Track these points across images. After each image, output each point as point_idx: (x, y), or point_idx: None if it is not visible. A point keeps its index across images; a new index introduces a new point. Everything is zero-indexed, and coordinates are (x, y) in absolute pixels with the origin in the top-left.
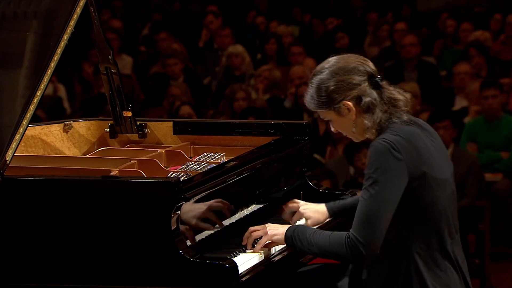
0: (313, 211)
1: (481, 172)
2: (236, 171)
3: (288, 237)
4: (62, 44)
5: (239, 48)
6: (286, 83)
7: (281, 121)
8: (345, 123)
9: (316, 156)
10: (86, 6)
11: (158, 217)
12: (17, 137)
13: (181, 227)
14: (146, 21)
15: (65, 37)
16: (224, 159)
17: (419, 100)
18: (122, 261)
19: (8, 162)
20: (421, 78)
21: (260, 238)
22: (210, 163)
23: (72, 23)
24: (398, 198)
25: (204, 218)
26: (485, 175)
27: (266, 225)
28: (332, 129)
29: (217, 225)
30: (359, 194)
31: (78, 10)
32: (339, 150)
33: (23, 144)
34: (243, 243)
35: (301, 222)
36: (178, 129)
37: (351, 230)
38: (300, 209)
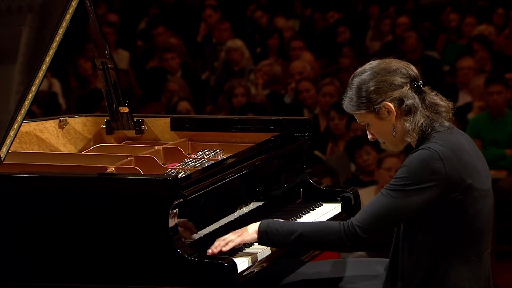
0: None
1: None
2: (235, 168)
3: (263, 233)
4: (57, 39)
5: (238, 43)
6: (286, 78)
7: (281, 117)
8: (385, 126)
9: (316, 153)
10: None
11: (155, 215)
12: (12, 133)
13: (179, 225)
14: (143, 15)
15: (61, 31)
16: (222, 156)
17: None
18: (119, 260)
19: (2, 159)
20: (424, 73)
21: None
22: (209, 160)
23: (67, 17)
24: (421, 207)
25: (202, 214)
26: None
27: (233, 233)
28: (369, 136)
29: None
30: (360, 191)
31: (74, 4)
32: (340, 146)
33: (17, 140)
34: (210, 252)
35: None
36: (176, 125)
37: (354, 218)
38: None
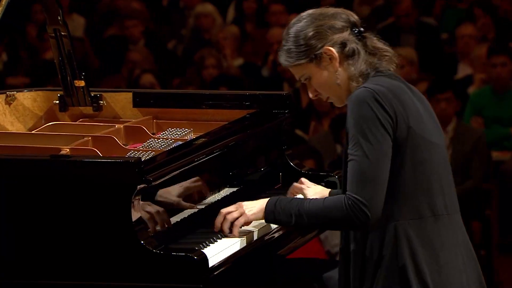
0: (317, 194)
1: (488, 150)
2: (206, 150)
3: (269, 212)
4: (3, 3)
5: (208, 7)
6: (264, 48)
7: (257, 92)
8: (328, 76)
9: (298, 132)
10: None
11: (116, 203)
12: None
13: (143, 214)
14: None
15: None
16: (192, 136)
17: (416, 68)
18: (75, 253)
19: None
20: (419, 42)
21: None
22: (176, 140)
23: None
24: (390, 146)
25: (169, 202)
26: (493, 154)
27: (239, 204)
28: (311, 94)
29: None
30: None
31: None
32: (324, 125)
33: None
34: (216, 229)
35: None
36: (139, 101)
37: (348, 192)
38: (303, 190)
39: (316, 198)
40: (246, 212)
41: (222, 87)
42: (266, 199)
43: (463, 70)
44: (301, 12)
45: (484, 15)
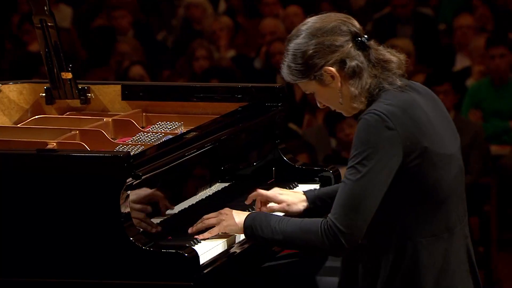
0: (290, 199)
1: (487, 144)
2: (197, 144)
3: (247, 227)
4: None
5: None
6: (256, 39)
7: (250, 85)
8: (331, 94)
9: (291, 125)
10: None
11: (104, 198)
12: None
13: (132, 210)
14: None
15: None
16: (182, 130)
17: (413, 60)
18: (63, 251)
19: None
20: (416, 33)
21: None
22: (166, 134)
23: None
24: (389, 180)
25: (158, 198)
26: (491, 148)
27: (222, 211)
28: (319, 104)
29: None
30: (342, 170)
31: None
32: (318, 118)
33: None
34: (190, 231)
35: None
36: (128, 94)
37: (329, 215)
38: (271, 194)
39: (295, 218)
40: (223, 223)
41: (213, 79)
42: (246, 213)
43: (461, 62)
44: (295, 3)
45: (483, 5)
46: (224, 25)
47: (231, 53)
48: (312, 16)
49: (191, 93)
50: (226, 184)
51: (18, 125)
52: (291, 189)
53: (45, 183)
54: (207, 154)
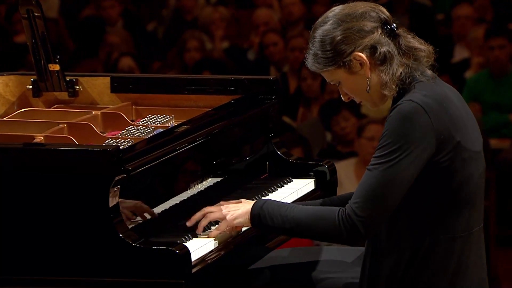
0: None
1: (486, 137)
2: (188, 138)
3: (255, 216)
4: None
5: None
6: (249, 30)
7: (242, 77)
8: (358, 82)
9: (285, 119)
10: None
11: (93, 193)
12: None
13: (122, 205)
14: None
15: None
16: (173, 123)
17: None
18: (50, 248)
19: None
20: (413, 23)
21: (217, 222)
22: (157, 127)
23: None
24: (416, 173)
25: (149, 193)
26: (490, 142)
27: (222, 205)
28: (344, 97)
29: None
30: (337, 165)
31: None
32: (313, 111)
33: None
34: (189, 224)
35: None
36: (117, 86)
37: (349, 203)
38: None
39: (306, 206)
40: (228, 217)
41: (205, 71)
42: (251, 202)
43: (460, 53)
44: None
45: None
46: (218, 16)
47: (223, 44)
48: (337, 4)
49: (182, 86)
50: (219, 179)
51: (4, 118)
52: (286, 184)
53: (32, 178)
54: (199, 148)
